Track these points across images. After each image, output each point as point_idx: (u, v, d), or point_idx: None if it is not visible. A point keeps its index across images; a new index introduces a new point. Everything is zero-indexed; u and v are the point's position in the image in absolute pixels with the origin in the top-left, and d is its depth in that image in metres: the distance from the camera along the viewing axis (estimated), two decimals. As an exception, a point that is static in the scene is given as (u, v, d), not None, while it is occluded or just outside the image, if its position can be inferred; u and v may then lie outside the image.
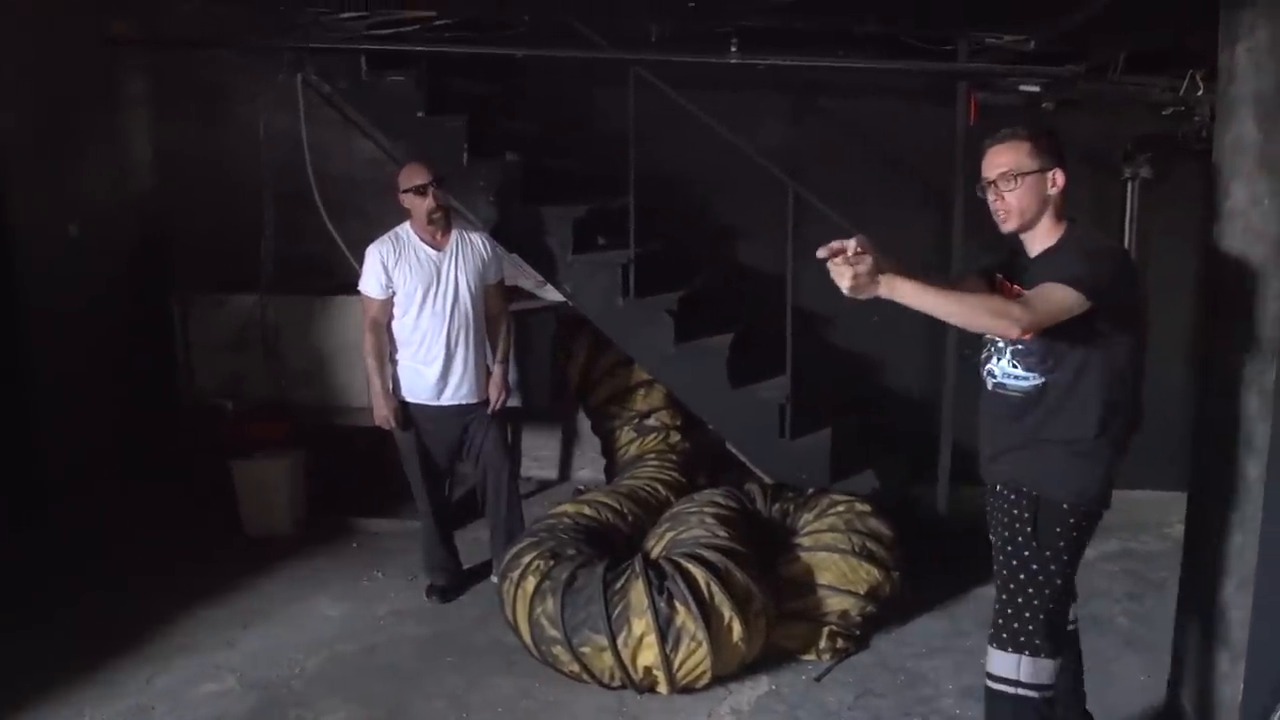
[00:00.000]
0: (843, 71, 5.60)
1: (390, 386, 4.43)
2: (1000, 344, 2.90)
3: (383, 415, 4.41)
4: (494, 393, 4.53)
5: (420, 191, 4.31)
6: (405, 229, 4.42)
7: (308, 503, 5.41)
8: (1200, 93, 5.09)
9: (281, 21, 4.91)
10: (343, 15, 4.83)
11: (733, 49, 5.09)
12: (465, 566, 4.76)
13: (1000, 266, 3.04)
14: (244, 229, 5.46)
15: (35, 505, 5.25)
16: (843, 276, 2.47)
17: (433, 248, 4.38)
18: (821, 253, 2.51)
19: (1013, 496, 2.87)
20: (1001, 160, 2.83)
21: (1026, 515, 2.82)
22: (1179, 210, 5.69)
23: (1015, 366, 2.86)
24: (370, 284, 4.35)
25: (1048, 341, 2.76)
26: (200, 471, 5.54)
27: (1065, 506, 2.80)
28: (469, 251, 4.44)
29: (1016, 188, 2.80)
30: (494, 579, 4.45)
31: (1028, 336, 2.72)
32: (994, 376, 2.93)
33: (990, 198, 2.87)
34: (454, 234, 4.44)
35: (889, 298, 2.52)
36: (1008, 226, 2.87)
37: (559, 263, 4.95)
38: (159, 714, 3.63)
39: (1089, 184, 5.64)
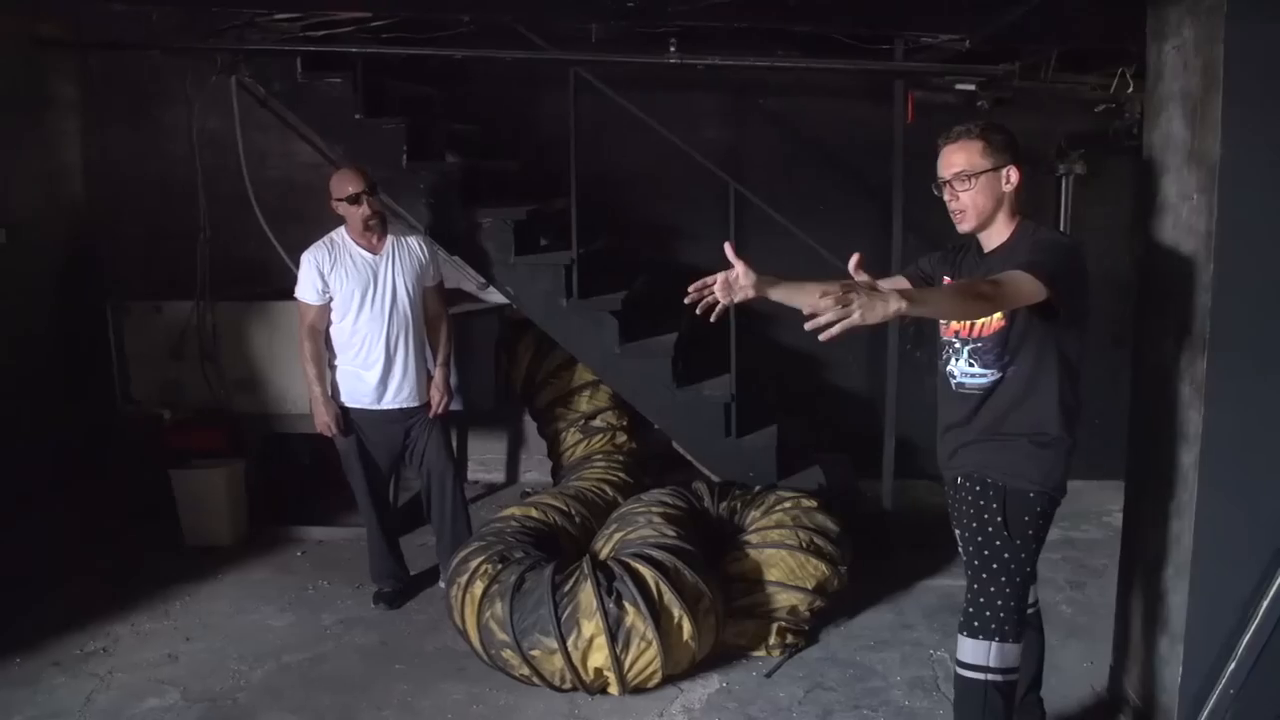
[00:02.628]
0: (781, 71, 5.64)
1: (330, 392, 4.38)
2: (957, 344, 2.92)
3: (323, 421, 4.36)
4: (435, 396, 4.49)
5: (354, 200, 4.27)
6: (340, 233, 4.37)
7: (250, 511, 5.32)
8: (1130, 90, 5.20)
9: (215, 23, 4.83)
10: (277, 16, 4.76)
11: (671, 49, 5.10)
12: (413, 572, 4.72)
13: (938, 265, 3.06)
14: (180, 234, 5.36)
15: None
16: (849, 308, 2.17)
17: (369, 251, 4.34)
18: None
19: (978, 488, 2.89)
20: (955, 160, 2.84)
21: (995, 506, 2.85)
22: (1111, 205, 5.83)
23: (973, 365, 2.88)
24: (306, 290, 4.30)
25: (1003, 337, 2.80)
26: (139, 481, 5.44)
27: (1032, 495, 2.84)
28: (405, 254, 4.40)
29: (971, 187, 2.81)
30: (442, 584, 4.42)
31: (999, 320, 2.75)
32: (954, 377, 2.94)
33: (946, 197, 2.88)
34: (390, 237, 4.39)
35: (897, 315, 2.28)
36: (965, 226, 2.88)
37: (501, 264, 4.93)
38: (100, 731, 3.56)
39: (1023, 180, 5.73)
